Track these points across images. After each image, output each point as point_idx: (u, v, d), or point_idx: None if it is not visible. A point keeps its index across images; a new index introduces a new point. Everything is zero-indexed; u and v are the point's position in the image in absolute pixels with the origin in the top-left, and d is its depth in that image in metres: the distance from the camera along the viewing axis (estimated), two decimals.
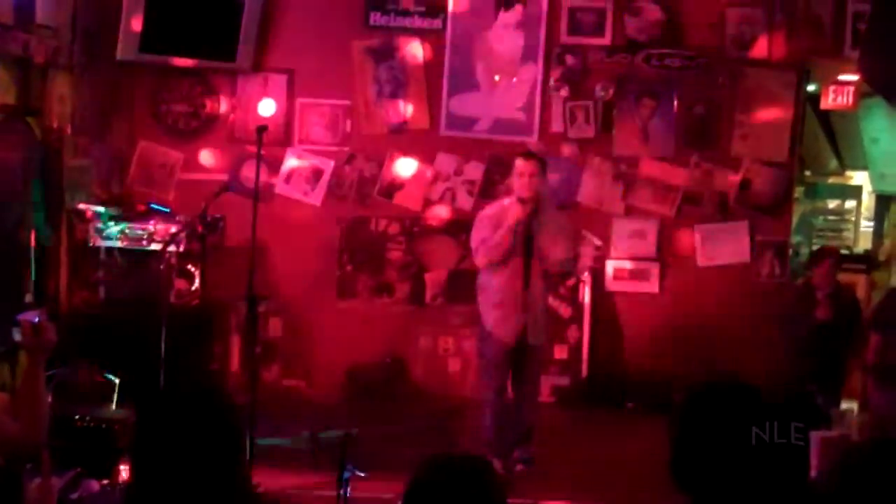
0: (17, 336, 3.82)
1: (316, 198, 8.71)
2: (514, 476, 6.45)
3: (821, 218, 10.82)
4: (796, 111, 8.65)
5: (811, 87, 8.96)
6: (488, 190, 8.53)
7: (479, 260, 6.65)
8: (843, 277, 8.25)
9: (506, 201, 6.66)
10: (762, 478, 2.46)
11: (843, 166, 10.88)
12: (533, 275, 6.53)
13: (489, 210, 6.76)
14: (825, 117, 10.09)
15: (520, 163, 6.53)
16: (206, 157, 8.68)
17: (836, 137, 10.56)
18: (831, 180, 11.04)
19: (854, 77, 8.54)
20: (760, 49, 8.56)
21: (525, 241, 6.47)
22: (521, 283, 6.49)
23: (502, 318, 6.59)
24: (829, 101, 8.83)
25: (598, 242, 8.64)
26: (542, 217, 6.56)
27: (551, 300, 8.43)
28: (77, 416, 5.85)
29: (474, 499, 2.54)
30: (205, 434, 2.67)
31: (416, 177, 8.71)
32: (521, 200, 6.44)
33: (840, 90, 8.70)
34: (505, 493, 2.66)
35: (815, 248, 9.61)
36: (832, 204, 10.92)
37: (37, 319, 3.79)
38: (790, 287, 8.45)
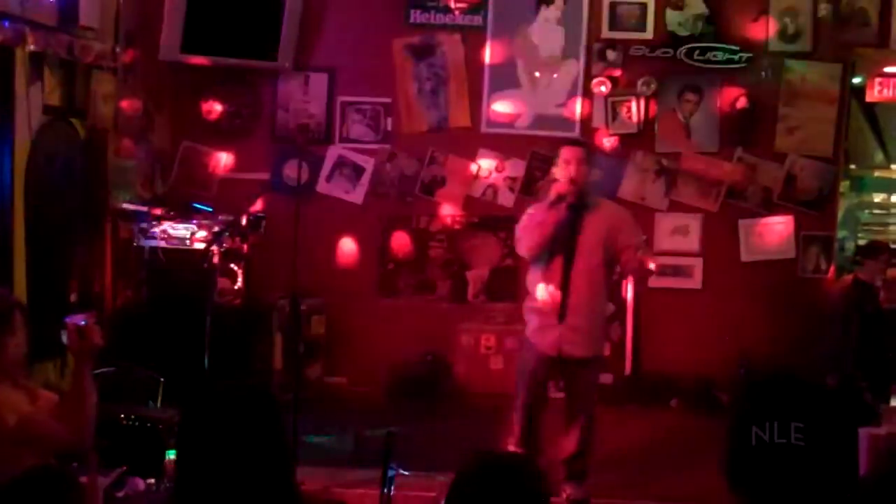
0: (64, 338, 3.85)
1: (357, 196, 8.72)
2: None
3: (866, 212, 10.68)
4: (841, 105, 8.56)
5: (856, 80, 8.85)
6: (530, 187, 8.51)
7: (521, 247, 6.15)
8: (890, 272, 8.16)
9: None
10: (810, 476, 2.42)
11: (889, 160, 10.73)
12: (576, 278, 5.97)
13: (538, 204, 6.27)
14: (871, 110, 9.96)
15: (566, 150, 6.07)
16: (248, 156, 8.70)
17: (882, 131, 10.42)
18: (877, 174, 10.88)
19: None
20: (805, 42, 8.48)
21: (567, 240, 5.96)
22: (561, 284, 5.94)
23: (539, 325, 6.08)
24: (874, 94, 8.71)
25: (642, 238, 8.58)
26: (591, 210, 6.06)
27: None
28: (122, 415, 5.89)
29: (518, 496, 2.53)
30: (249, 431, 2.68)
31: (458, 174, 8.70)
32: (571, 181, 5.95)
33: (886, 83, 8.59)
34: (549, 491, 2.65)
35: (860, 242, 9.50)
36: (878, 198, 10.77)
37: (83, 322, 3.82)
38: (837, 282, 8.35)
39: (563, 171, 6.04)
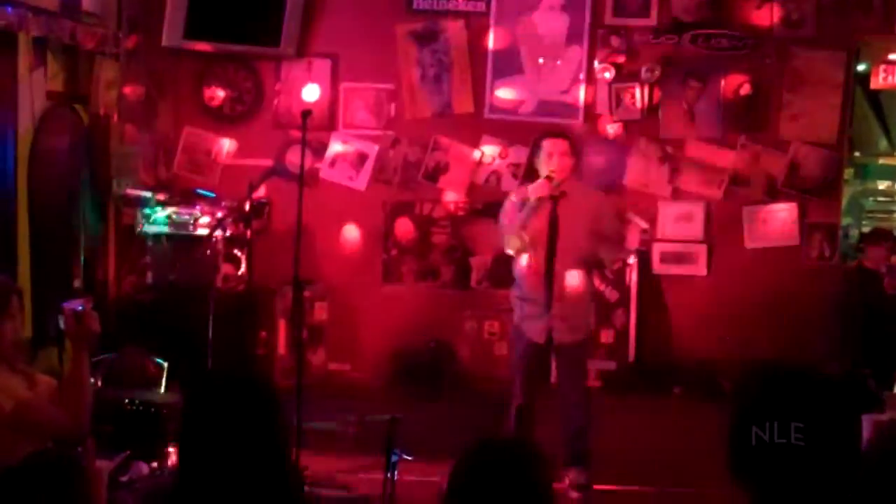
0: (61, 324, 3.85)
1: (361, 182, 8.71)
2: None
3: (871, 199, 10.67)
4: (846, 91, 8.53)
5: (861, 67, 8.83)
6: (533, 173, 8.47)
7: (506, 245, 6.22)
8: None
9: (529, 188, 6.19)
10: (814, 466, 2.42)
11: (894, 147, 10.73)
12: (560, 266, 6.03)
13: (518, 191, 6.34)
14: (875, 97, 9.95)
15: (548, 142, 6.10)
16: (250, 142, 8.70)
17: (887, 118, 10.41)
18: (881, 161, 10.87)
19: None
20: (809, 29, 8.45)
21: (550, 229, 6.02)
22: (546, 275, 6.02)
23: (528, 315, 6.17)
24: (879, 81, 8.71)
25: (644, 225, 8.58)
26: (572, 200, 6.09)
27: (597, 284, 8.39)
28: (126, 400, 5.90)
29: (520, 481, 2.54)
30: (248, 422, 2.69)
31: (461, 160, 8.69)
32: (548, 178, 6.00)
33: (890, 69, 8.58)
34: (551, 476, 2.65)
35: (865, 229, 9.49)
36: (882, 185, 10.76)
37: (80, 308, 3.82)
38: (842, 269, 8.35)
39: (545, 165, 6.09)
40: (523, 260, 6.16)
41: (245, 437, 2.68)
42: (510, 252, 6.26)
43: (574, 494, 6.14)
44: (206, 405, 2.75)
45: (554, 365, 6.63)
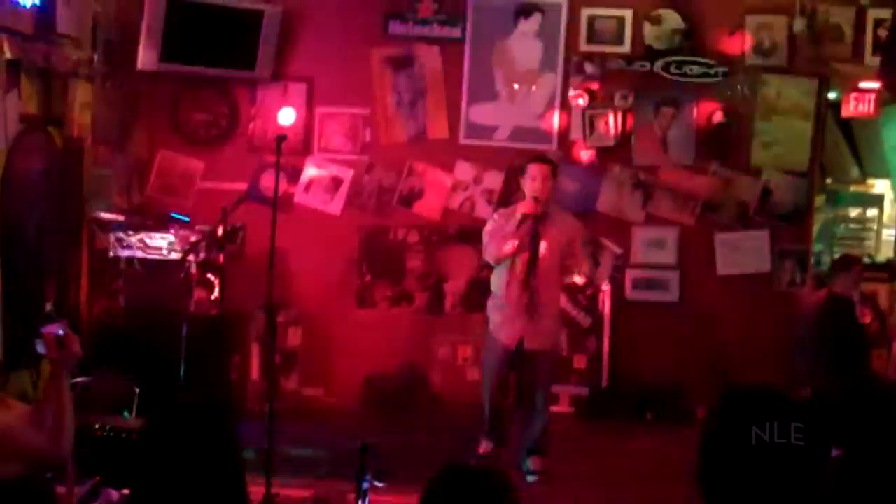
0: (41, 348, 3.82)
1: (335, 207, 8.72)
2: (526, 487, 6.35)
3: (842, 226, 10.75)
4: (817, 119, 8.61)
5: (832, 95, 8.92)
6: (507, 199, 8.51)
7: (488, 255, 6.74)
8: (864, 286, 8.21)
9: (519, 206, 6.74)
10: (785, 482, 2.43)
11: (865, 174, 10.81)
12: (539, 278, 6.53)
13: (503, 210, 6.93)
14: (846, 125, 10.03)
15: (533, 167, 6.65)
16: (225, 166, 8.69)
17: (857, 145, 10.50)
18: (852, 188, 10.97)
19: (875, 84, 8.49)
20: (781, 57, 8.53)
21: (532, 244, 6.51)
22: (524, 285, 6.50)
23: (503, 321, 6.67)
24: (850, 109, 8.77)
25: (617, 251, 8.62)
26: (552, 220, 6.64)
27: (570, 309, 8.45)
28: (97, 425, 5.86)
29: None
30: (202, 451, 2.70)
31: (436, 186, 8.71)
32: (535, 199, 6.55)
33: (861, 98, 8.64)
34: (518, 502, 2.65)
35: (836, 256, 9.55)
36: (853, 212, 10.85)
37: (61, 332, 3.79)
38: (812, 296, 8.39)
39: (529, 187, 6.64)
40: (503, 270, 6.64)
41: (200, 471, 2.68)
42: (491, 262, 6.78)
43: (531, 478, 6.61)
44: (163, 436, 2.75)
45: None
